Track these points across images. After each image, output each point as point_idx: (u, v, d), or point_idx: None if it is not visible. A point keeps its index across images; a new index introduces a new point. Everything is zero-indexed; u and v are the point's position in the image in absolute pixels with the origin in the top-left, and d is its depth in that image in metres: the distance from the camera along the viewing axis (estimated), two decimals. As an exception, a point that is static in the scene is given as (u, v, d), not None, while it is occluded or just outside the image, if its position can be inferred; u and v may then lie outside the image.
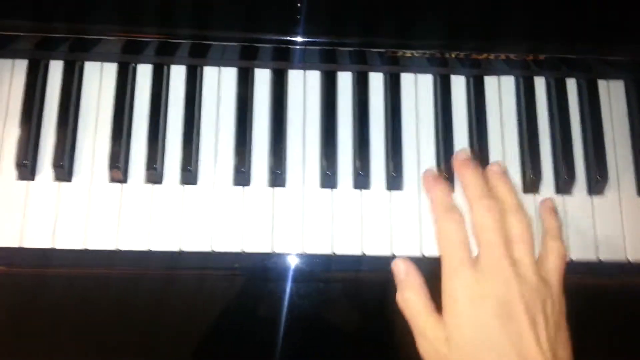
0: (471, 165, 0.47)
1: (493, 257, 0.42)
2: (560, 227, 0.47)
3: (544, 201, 0.50)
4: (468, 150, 0.52)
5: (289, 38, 0.50)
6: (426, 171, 0.50)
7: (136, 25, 0.50)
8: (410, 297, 0.44)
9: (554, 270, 0.44)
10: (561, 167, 0.54)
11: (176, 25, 0.51)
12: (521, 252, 0.43)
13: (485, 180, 0.46)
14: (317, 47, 0.51)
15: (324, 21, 0.51)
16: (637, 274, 0.54)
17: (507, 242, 0.43)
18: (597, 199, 0.54)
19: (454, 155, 0.49)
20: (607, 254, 0.53)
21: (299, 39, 0.50)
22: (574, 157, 0.54)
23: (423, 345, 0.43)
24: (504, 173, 0.48)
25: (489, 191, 0.45)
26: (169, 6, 0.51)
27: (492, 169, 0.48)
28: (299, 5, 0.50)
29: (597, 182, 0.54)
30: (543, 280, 0.42)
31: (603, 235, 0.53)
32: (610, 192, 0.55)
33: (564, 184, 0.54)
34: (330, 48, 0.51)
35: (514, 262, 0.42)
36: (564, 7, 0.52)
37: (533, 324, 0.40)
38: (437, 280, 0.43)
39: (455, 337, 0.41)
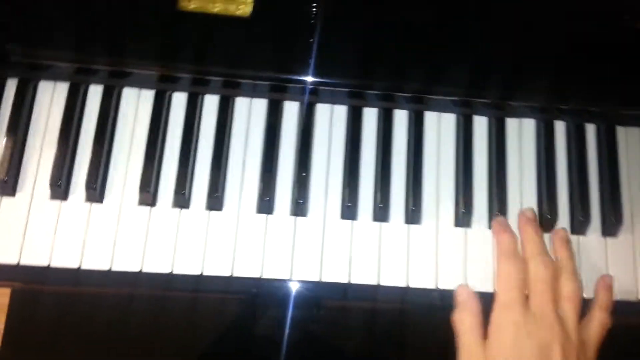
0: (535, 224, 0.53)
1: (542, 305, 0.48)
2: (610, 301, 0.52)
3: (602, 277, 0.53)
4: (533, 209, 0.55)
5: (316, 79, 0.53)
6: (497, 217, 0.54)
7: (171, 62, 0.53)
8: (467, 316, 0.49)
9: (594, 335, 0.49)
10: (577, 208, 0.56)
11: (209, 64, 0.54)
12: (568, 309, 0.49)
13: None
14: (345, 89, 0.54)
15: (352, 67, 0.53)
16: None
17: (557, 298, 0.49)
18: (610, 240, 0.56)
19: (520, 211, 0.55)
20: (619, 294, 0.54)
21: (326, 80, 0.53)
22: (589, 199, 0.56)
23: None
24: (568, 240, 0.53)
25: (548, 253, 0.51)
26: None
27: (558, 232, 0.54)
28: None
29: (612, 224, 0.55)
30: (582, 340, 0.48)
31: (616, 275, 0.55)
32: (624, 234, 0.56)
33: (579, 225, 0.55)
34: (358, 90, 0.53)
35: (560, 316, 0.48)
36: (584, 61, 0.54)
37: None
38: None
39: (494, 359, 0.47)
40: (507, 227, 0.53)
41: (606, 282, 0.53)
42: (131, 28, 0.54)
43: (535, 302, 0.49)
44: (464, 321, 0.49)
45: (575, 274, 0.51)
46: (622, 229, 0.56)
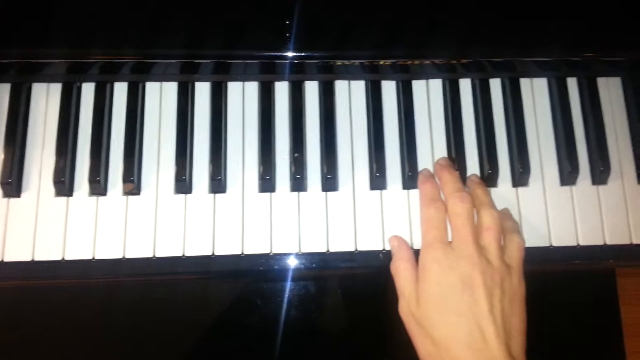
0: (449, 168, 0.56)
1: (462, 239, 0.51)
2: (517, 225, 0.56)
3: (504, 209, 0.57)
4: (447, 158, 0.58)
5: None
6: (422, 170, 0.57)
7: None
8: (400, 263, 0.53)
9: (514, 257, 0.52)
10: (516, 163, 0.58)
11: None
12: (488, 239, 0.51)
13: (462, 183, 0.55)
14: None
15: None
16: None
17: (478, 229, 0.52)
18: (521, 189, 0.58)
19: (436, 161, 0.58)
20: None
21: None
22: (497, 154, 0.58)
23: (401, 303, 0.52)
24: (481, 182, 0.57)
25: (464, 189, 0.53)
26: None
27: (470, 177, 0.57)
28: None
29: (521, 174, 0.58)
30: (504, 263, 0.51)
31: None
32: (536, 183, 0.59)
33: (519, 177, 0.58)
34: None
35: (480, 246, 0.51)
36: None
37: (490, 295, 0.48)
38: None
39: (423, 297, 0.50)
40: (429, 178, 0.56)
41: (505, 211, 0.56)
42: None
43: (456, 236, 0.51)
44: (398, 268, 0.52)
45: (492, 206, 0.53)
46: (533, 179, 0.58)
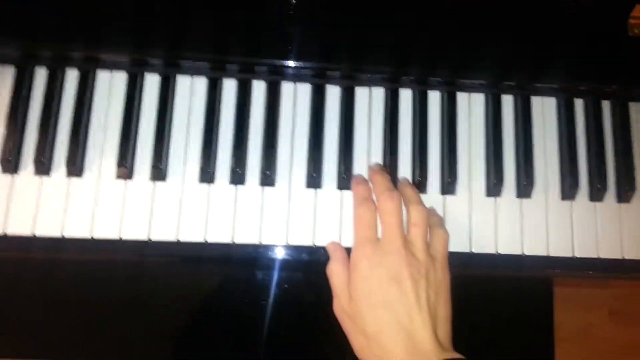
0: (381, 172, 0.59)
1: (391, 236, 0.53)
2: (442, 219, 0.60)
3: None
4: (380, 164, 0.62)
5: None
6: (355, 176, 0.60)
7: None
8: (335, 265, 0.56)
9: (439, 250, 0.55)
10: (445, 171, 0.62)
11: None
12: (415, 234, 0.54)
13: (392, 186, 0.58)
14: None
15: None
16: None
17: (407, 225, 0.55)
18: (449, 198, 0.62)
19: (369, 166, 0.61)
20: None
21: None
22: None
23: (334, 302, 0.55)
24: (410, 183, 0.61)
25: (394, 189, 0.56)
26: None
27: (400, 180, 0.61)
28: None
29: (449, 184, 0.61)
30: (430, 256, 0.54)
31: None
32: (463, 192, 0.62)
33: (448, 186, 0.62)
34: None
35: (407, 241, 0.54)
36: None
37: (416, 287, 0.51)
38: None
39: (354, 293, 0.53)
40: (362, 181, 0.59)
41: (432, 210, 0.60)
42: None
43: (385, 233, 0.54)
44: (332, 269, 0.56)
45: (420, 203, 0.56)
46: (459, 188, 0.62)
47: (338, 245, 0.58)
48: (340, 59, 0.59)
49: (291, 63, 0.59)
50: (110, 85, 0.61)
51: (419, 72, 0.61)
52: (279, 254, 0.59)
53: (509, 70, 0.61)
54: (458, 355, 0.50)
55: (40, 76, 0.60)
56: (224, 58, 0.59)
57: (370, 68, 0.61)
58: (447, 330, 0.53)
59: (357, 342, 0.53)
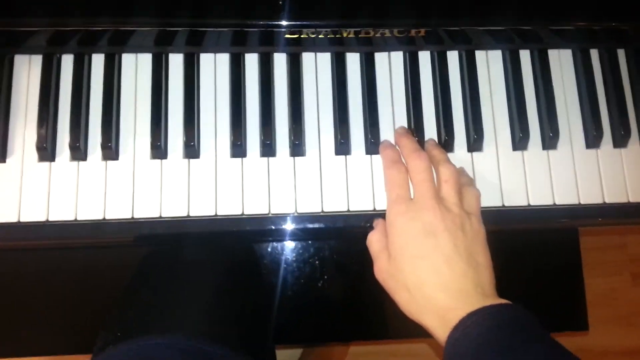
0: (407, 134, 0.60)
1: (423, 192, 0.54)
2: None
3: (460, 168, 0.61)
4: (404, 126, 0.62)
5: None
6: (382, 141, 0.61)
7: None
8: (373, 235, 0.57)
9: (472, 206, 0.56)
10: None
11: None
12: (447, 190, 0.55)
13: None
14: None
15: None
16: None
17: (437, 183, 0.56)
18: (476, 155, 0.62)
19: (395, 130, 0.62)
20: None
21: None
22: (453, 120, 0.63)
23: (375, 267, 0.56)
24: (437, 144, 0.61)
25: (422, 150, 0.57)
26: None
27: (428, 141, 0.61)
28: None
29: (475, 141, 0.62)
30: (464, 210, 0.55)
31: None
32: (489, 148, 0.63)
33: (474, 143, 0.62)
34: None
35: (440, 197, 0.54)
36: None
37: (453, 237, 0.52)
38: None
39: (393, 251, 0.54)
40: (389, 145, 0.60)
41: (462, 168, 0.61)
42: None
43: (417, 191, 0.55)
44: (371, 238, 0.57)
45: (449, 161, 0.57)
46: (487, 143, 0.63)
47: (379, 219, 0.58)
48: (357, 15, 0.59)
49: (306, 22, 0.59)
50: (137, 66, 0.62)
51: (435, 21, 0.60)
52: (314, 221, 0.60)
53: (524, 13, 0.61)
54: (501, 301, 0.50)
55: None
56: (247, 22, 0.59)
57: (388, 22, 0.60)
58: (489, 277, 0.53)
59: (401, 297, 0.53)
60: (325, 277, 0.82)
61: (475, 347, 0.47)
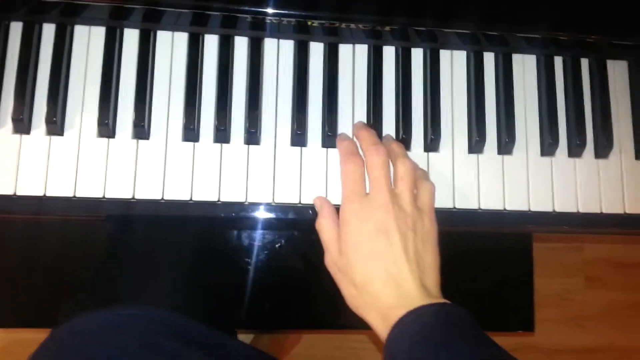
0: (366, 127, 0.60)
1: (378, 190, 0.55)
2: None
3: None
4: (363, 121, 0.62)
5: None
6: (340, 134, 0.60)
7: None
8: (323, 220, 0.56)
9: (425, 202, 0.56)
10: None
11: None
12: (402, 187, 0.56)
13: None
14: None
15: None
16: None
17: (394, 179, 0.56)
18: (432, 155, 0.62)
19: (354, 124, 0.61)
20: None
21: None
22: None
23: (326, 256, 0.56)
24: (394, 138, 0.61)
25: (380, 142, 0.57)
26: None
27: (386, 136, 0.61)
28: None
29: (432, 141, 0.62)
30: (417, 208, 0.55)
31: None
32: (446, 149, 0.63)
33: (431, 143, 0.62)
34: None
35: (395, 194, 0.55)
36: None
37: (403, 238, 0.53)
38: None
39: (344, 247, 0.54)
40: (346, 137, 0.60)
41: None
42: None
43: (372, 187, 0.55)
44: (322, 224, 0.56)
45: (406, 157, 0.57)
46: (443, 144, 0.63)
47: (325, 200, 0.58)
48: (322, 7, 0.58)
49: (270, 11, 0.58)
50: (89, 40, 0.59)
51: (402, 20, 0.60)
52: (265, 212, 0.59)
53: (491, 18, 0.60)
54: (442, 300, 0.51)
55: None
56: (207, 4, 0.57)
57: (353, 16, 0.59)
58: (435, 278, 0.54)
59: (348, 292, 0.54)
60: (281, 265, 0.82)
61: (410, 344, 0.48)
